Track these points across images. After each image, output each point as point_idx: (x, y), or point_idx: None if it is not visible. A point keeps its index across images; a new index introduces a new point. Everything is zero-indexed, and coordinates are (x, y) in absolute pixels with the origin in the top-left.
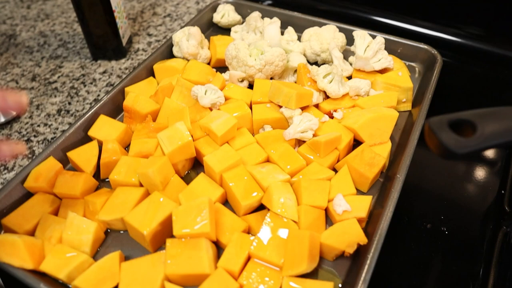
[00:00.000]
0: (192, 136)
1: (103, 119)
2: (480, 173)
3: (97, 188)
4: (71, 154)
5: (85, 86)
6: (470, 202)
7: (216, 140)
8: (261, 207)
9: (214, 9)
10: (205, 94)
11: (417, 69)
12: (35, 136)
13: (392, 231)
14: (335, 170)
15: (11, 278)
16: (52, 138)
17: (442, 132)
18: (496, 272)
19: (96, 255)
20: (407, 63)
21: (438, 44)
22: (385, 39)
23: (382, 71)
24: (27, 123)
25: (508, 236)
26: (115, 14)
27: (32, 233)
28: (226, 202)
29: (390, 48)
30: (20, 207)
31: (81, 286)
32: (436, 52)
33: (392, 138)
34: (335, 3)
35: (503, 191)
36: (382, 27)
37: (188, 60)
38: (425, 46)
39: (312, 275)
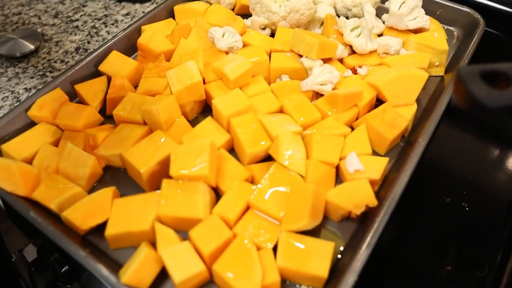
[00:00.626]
0: (204, 79)
1: (115, 55)
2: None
3: (101, 124)
4: (79, 87)
5: (106, 26)
6: (496, 186)
7: (228, 84)
8: (268, 159)
9: None
10: (222, 36)
11: (455, 33)
12: (50, 72)
13: (408, 201)
14: (353, 129)
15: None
16: None
17: (472, 81)
18: None
19: (92, 191)
20: (446, 27)
21: (484, 12)
22: None
23: (417, 31)
24: (44, 58)
25: None
26: None
27: (30, 161)
28: (232, 151)
29: (428, 9)
30: (21, 135)
31: (70, 218)
32: (478, 16)
33: (419, 102)
34: None
35: None
36: None
37: (210, 4)
38: (467, 9)
39: (313, 233)
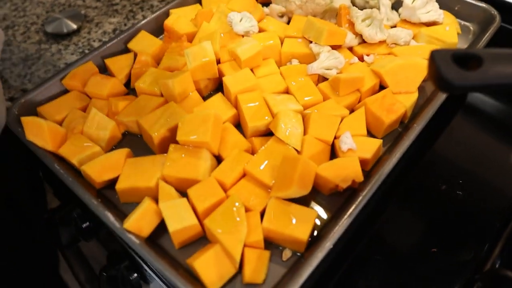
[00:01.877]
0: (220, 59)
1: (143, 35)
2: None
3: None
4: (108, 61)
5: (142, 11)
6: (494, 180)
7: (240, 64)
8: (271, 134)
9: None
10: (240, 21)
11: (472, 29)
12: (89, 50)
13: (403, 186)
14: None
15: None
16: None
17: (443, 62)
18: (503, 250)
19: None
20: (463, 22)
21: (502, 8)
22: None
23: (430, 24)
24: (84, 37)
25: None
26: None
27: (60, 123)
28: (238, 126)
29: (447, 4)
30: (55, 100)
31: (88, 171)
32: (495, 12)
33: (423, 91)
34: None
35: None
36: None
37: None
38: (484, 5)
39: (303, 203)
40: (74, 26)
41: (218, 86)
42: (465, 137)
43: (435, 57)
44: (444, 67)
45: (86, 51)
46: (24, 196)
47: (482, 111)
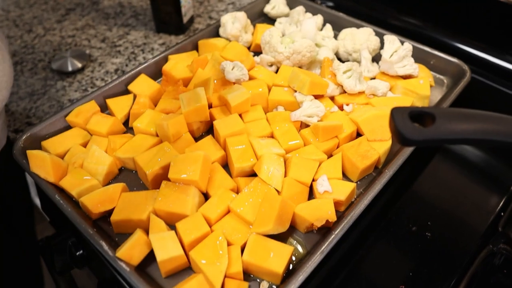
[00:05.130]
0: (212, 104)
1: (143, 78)
2: (488, 196)
3: (124, 133)
4: (109, 101)
5: (143, 53)
6: (464, 217)
7: (230, 109)
8: (255, 175)
9: (268, 0)
10: (232, 69)
11: (445, 82)
12: (91, 88)
13: (376, 226)
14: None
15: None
16: None
17: (400, 118)
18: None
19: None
20: (437, 75)
21: (472, 61)
22: (420, 49)
23: (406, 77)
24: (88, 76)
25: (492, 255)
26: None
27: (62, 156)
28: (226, 166)
29: (423, 59)
30: (59, 135)
31: (85, 203)
32: (466, 68)
33: None
34: (400, 19)
35: (502, 213)
36: (435, 43)
37: (230, 41)
38: (456, 60)
39: (282, 239)
40: (79, 65)
41: (209, 128)
42: (442, 181)
43: (394, 114)
44: (401, 124)
45: (89, 89)
46: (18, 222)
47: (461, 156)
